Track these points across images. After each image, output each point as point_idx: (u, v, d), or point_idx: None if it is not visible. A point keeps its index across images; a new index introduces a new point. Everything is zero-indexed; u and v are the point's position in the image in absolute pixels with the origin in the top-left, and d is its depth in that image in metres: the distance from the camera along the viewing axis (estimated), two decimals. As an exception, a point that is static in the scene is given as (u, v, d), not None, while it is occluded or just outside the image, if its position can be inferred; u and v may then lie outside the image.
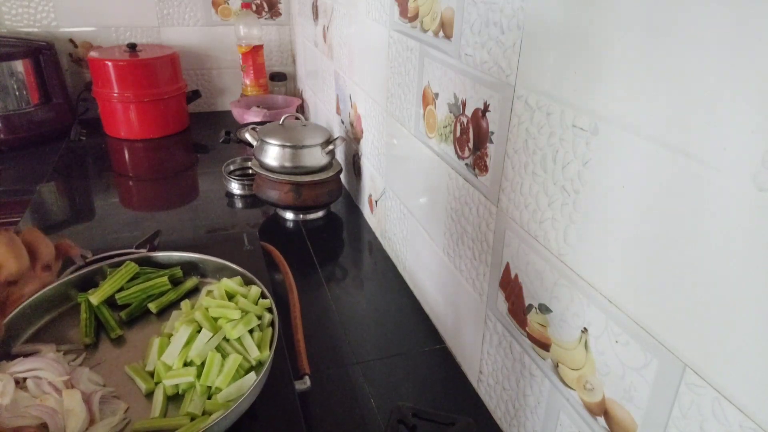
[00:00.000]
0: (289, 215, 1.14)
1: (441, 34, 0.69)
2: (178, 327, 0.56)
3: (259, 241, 0.88)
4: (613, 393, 0.46)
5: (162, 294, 0.64)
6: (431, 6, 0.71)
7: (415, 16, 0.76)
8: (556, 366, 0.53)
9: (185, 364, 0.54)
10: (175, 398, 0.54)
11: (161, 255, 0.66)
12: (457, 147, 0.69)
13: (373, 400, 0.69)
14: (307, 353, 0.72)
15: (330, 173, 1.10)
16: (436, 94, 0.73)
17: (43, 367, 0.54)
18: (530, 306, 0.56)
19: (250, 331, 0.57)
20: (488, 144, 0.61)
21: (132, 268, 0.63)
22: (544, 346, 0.55)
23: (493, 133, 0.60)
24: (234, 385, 0.53)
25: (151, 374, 0.56)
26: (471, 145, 0.65)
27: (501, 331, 0.63)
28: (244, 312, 0.58)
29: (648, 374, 0.41)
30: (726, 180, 0.33)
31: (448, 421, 0.54)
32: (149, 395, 0.54)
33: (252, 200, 1.20)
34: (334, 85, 1.28)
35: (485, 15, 0.58)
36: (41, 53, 1.44)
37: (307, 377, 0.67)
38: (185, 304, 0.61)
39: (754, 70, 0.31)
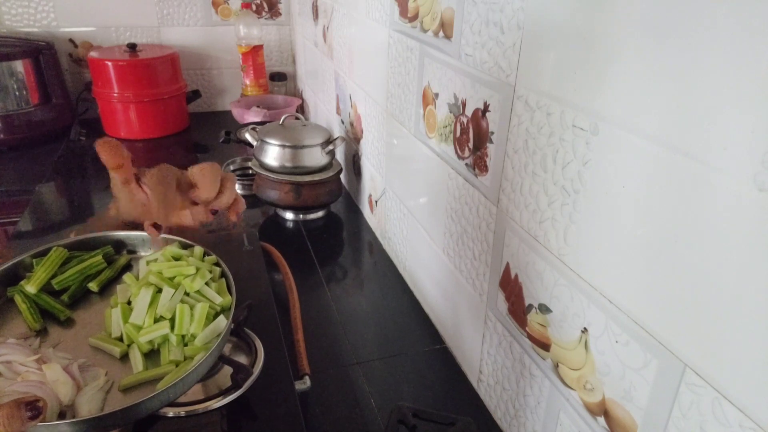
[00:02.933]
0: (289, 215, 1.14)
1: (441, 34, 0.69)
2: (137, 292, 0.57)
3: (258, 241, 0.88)
4: (613, 393, 0.46)
5: (99, 272, 0.63)
6: (431, 6, 0.71)
7: (415, 16, 0.76)
8: (556, 366, 0.53)
9: (155, 321, 0.55)
10: (149, 355, 0.55)
11: (87, 237, 0.65)
12: (457, 147, 0.69)
13: (373, 400, 0.69)
14: (307, 353, 0.72)
15: (330, 173, 1.10)
16: (436, 94, 0.73)
17: (8, 351, 0.52)
18: (530, 306, 0.56)
19: (206, 284, 0.59)
20: (488, 144, 0.61)
21: (62, 252, 0.62)
22: (544, 346, 0.55)
23: (493, 133, 0.60)
24: (208, 329, 0.54)
25: (119, 340, 0.56)
26: (471, 145, 0.65)
27: (501, 331, 0.63)
28: (197, 268, 0.60)
29: (648, 374, 0.41)
30: (726, 180, 0.33)
31: (448, 421, 0.54)
32: (123, 358, 0.54)
33: (252, 200, 1.20)
34: (334, 85, 1.28)
35: (485, 15, 0.58)
36: (41, 53, 1.44)
37: (307, 377, 0.67)
38: (128, 277, 0.61)
39: (755, 70, 0.31)
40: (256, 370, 0.62)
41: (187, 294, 0.58)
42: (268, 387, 0.61)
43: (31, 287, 0.59)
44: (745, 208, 0.32)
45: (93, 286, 0.62)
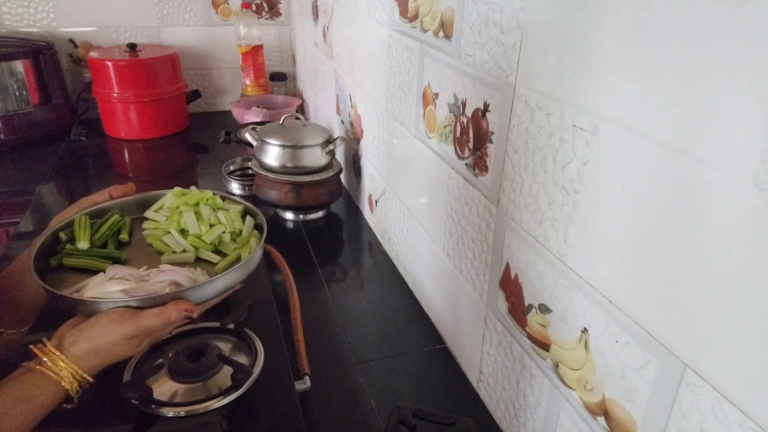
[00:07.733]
0: (289, 215, 1.14)
1: (441, 34, 0.69)
2: (178, 218, 0.71)
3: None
4: (613, 393, 0.46)
5: (122, 227, 0.73)
6: (431, 6, 0.71)
7: (415, 16, 0.76)
8: (556, 366, 0.53)
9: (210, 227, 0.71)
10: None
11: (91, 210, 0.72)
12: (457, 147, 0.69)
13: (373, 400, 0.69)
14: (307, 353, 0.72)
15: (330, 173, 1.10)
16: (436, 94, 0.73)
17: (120, 270, 0.62)
18: (530, 306, 0.56)
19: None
20: (488, 144, 0.61)
21: (85, 218, 0.69)
22: (544, 346, 0.55)
23: (493, 133, 0.60)
24: (246, 223, 0.73)
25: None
26: (471, 145, 0.65)
27: (501, 331, 0.63)
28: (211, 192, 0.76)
29: (648, 374, 0.41)
30: (726, 180, 0.33)
31: (448, 421, 0.53)
32: (197, 261, 0.69)
33: (252, 200, 1.20)
34: (334, 85, 1.28)
35: (485, 15, 0.58)
36: (41, 53, 1.44)
37: (307, 377, 0.67)
38: (148, 223, 0.73)
39: (754, 70, 0.31)
40: (256, 370, 0.62)
41: (213, 210, 0.73)
42: (268, 387, 0.61)
43: (83, 244, 0.67)
44: (745, 208, 0.32)
45: (124, 236, 0.72)
